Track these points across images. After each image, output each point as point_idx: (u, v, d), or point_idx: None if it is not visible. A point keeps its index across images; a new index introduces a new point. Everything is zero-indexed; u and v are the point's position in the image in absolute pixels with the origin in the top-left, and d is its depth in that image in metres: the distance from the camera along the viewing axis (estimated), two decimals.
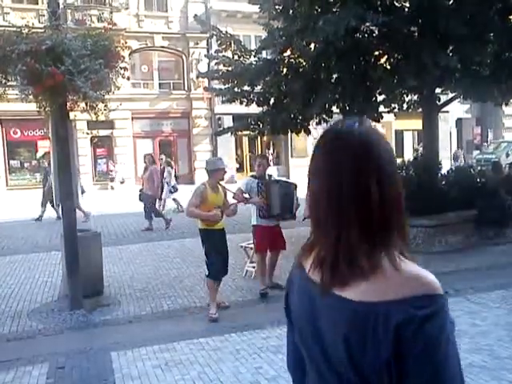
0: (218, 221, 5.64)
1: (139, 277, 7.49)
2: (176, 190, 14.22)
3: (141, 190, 12.39)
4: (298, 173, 22.14)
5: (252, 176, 6.70)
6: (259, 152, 24.21)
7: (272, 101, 9.83)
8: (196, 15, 13.94)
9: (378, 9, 7.92)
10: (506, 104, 11.18)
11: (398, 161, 11.52)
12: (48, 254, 9.15)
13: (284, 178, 18.78)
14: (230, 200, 6.08)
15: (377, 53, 8.64)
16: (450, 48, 8.04)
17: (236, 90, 9.88)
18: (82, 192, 14.87)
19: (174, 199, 14.16)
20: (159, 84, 23.64)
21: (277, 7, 8.86)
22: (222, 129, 13.01)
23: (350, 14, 6.99)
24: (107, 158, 23.36)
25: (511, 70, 8.00)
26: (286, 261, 7.52)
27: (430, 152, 9.77)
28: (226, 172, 5.94)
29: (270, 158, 23.92)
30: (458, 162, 23.34)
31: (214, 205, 5.63)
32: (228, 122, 21.04)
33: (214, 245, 5.66)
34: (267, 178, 6.51)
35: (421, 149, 24.31)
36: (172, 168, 14.60)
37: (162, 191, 13.28)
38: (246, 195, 6.39)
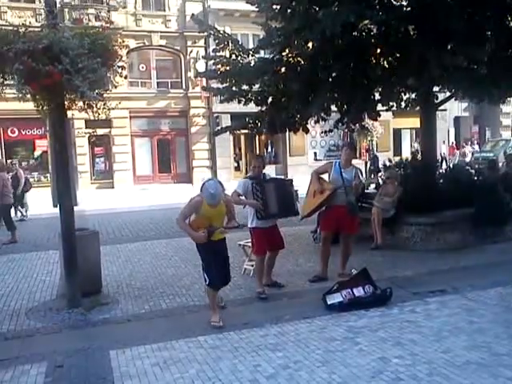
0: (201, 241, 5.18)
1: (137, 275, 7.49)
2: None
3: None
4: (296, 171, 22.17)
5: (248, 177, 6.60)
6: (257, 151, 24.21)
7: (270, 100, 9.80)
8: (193, 15, 13.90)
9: (376, 7, 7.91)
10: (503, 102, 11.19)
11: (396, 159, 11.58)
12: (46, 252, 9.16)
13: (281, 177, 18.72)
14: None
15: (375, 51, 8.63)
16: (449, 46, 8.04)
17: (234, 89, 9.85)
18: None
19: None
20: (157, 83, 23.61)
21: (274, 6, 8.84)
22: (219, 128, 12.98)
23: (348, 10, 6.99)
24: (105, 156, 23.37)
25: (508, 69, 8.00)
26: (285, 259, 7.56)
27: (427, 150, 9.77)
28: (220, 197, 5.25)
29: (267, 156, 23.95)
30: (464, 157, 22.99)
31: (208, 219, 5.16)
32: (226, 120, 21.03)
33: (208, 253, 5.29)
34: (261, 177, 6.36)
35: (416, 145, 24.30)
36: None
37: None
38: (242, 197, 6.22)
